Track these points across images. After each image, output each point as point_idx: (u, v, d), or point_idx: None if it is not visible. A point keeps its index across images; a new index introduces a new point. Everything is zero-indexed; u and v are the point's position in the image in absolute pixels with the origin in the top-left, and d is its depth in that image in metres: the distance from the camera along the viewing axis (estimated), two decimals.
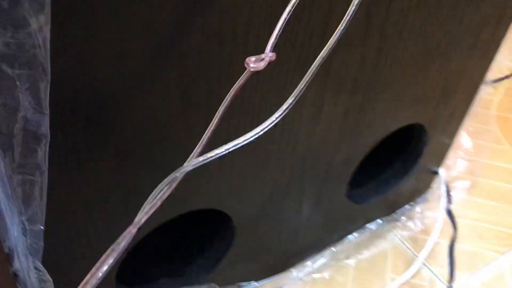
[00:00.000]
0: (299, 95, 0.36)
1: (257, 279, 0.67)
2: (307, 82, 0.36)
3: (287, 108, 0.36)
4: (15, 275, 0.44)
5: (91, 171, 0.39)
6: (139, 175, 0.41)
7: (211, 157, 0.36)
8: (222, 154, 0.36)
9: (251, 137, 0.36)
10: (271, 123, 0.36)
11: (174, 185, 0.37)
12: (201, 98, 0.40)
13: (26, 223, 0.37)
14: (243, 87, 0.36)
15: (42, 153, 0.33)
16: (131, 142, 0.39)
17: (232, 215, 0.55)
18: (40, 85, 0.29)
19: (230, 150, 0.36)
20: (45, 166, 0.34)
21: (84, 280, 0.36)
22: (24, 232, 0.38)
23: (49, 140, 0.32)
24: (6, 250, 0.42)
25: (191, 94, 0.39)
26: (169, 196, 0.46)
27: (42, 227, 0.38)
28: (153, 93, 0.38)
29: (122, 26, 0.33)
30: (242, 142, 0.36)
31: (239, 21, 0.38)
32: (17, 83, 0.29)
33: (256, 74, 0.36)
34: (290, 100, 0.36)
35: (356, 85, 0.52)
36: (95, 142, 0.38)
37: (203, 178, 0.48)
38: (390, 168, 0.74)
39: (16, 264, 0.43)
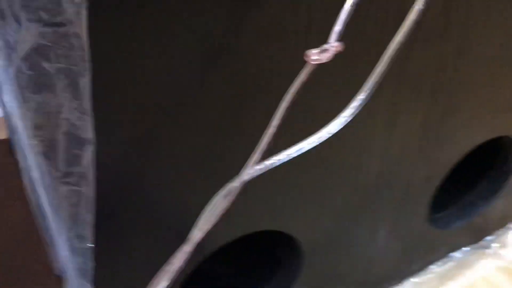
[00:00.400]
0: (372, 91, 0.31)
1: None
2: (382, 73, 0.31)
3: (357, 108, 0.31)
4: None
5: (142, 183, 0.36)
6: (192, 188, 0.38)
7: (271, 163, 0.32)
8: (283, 160, 0.32)
9: (316, 140, 0.31)
10: (339, 125, 0.31)
11: (231, 197, 0.33)
12: (259, 99, 0.36)
13: (74, 240, 0.35)
14: (305, 86, 0.32)
15: (88, 159, 0.30)
16: (184, 151, 0.36)
17: (299, 239, 0.50)
18: (80, 81, 0.26)
19: (293, 155, 0.32)
20: (91, 175, 0.31)
21: None
22: (73, 251, 0.35)
23: (94, 144, 0.29)
24: (57, 272, 0.40)
25: (248, 95, 0.36)
26: (228, 213, 0.42)
27: (90, 245, 0.35)
28: (206, 95, 0.34)
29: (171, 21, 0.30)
30: (306, 146, 0.32)
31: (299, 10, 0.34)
32: (56, 79, 0.26)
33: (320, 69, 0.31)
34: (361, 96, 0.31)
35: (435, 89, 0.46)
36: (146, 150, 0.35)
37: (265, 195, 0.43)
38: (475, 188, 0.65)
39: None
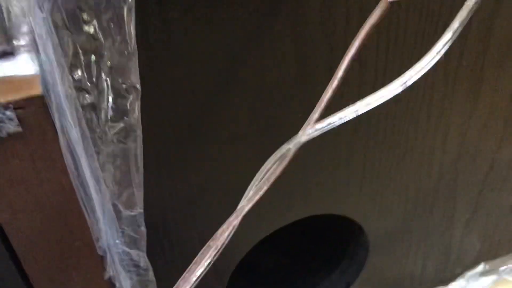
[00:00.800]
0: (447, 45, 0.26)
1: None
2: (461, 23, 0.26)
3: (428, 64, 0.26)
4: (111, 282, 0.38)
5: (193, 139, 0.32)
6: (244, 150, 0.34)
7: (331, 123, 0.28)
8: (348, 117, 0.27)
9: (380, 97, 0.27)
10: (407, 80, 0.27)
11: (285, 162, 0.29)
12: (321, 49, 0.32)
13: (120, 207, 0.32)
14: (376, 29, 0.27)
15: (134, 110, 0.27)
16: (240, 109, 0.32)
17: (364, 226, 0.45)
18: (123, 11, 0.23)
19: (355, 114, 0.27)
20: (139, 129, 0.28)
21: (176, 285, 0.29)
22: (119, 220, 0.33)
23: (140, 93, 0.26)
24: (100, 252, 0.37)
25: (307, 47, 0.31)
26: (288, 191, 0.38)
27: (141, 210, 0.32)
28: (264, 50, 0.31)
29: None
30: (371, 103, 0.27)
31: None
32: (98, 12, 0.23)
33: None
34: (434, 52, 0.26)
35: None
36: (198, 119, 0.31)
37: (326, 176, 0.39)
38: None
39: (111, 268, 0.38)
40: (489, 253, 0.56)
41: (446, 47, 0.26)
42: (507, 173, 0.48)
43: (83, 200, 0.34)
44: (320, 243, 0.53)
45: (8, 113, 0.29)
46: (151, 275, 0.36)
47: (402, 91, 0.26)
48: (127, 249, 0.35)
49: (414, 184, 0.44)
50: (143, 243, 0.34)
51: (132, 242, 0.34)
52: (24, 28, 0.32)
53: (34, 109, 0.29)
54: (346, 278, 0.50)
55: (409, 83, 0.26)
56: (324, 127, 0.28)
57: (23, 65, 0.31)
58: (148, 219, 0.32)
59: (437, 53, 0.26)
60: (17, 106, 0.29)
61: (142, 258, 0.35)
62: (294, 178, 0.37)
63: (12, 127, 0.29)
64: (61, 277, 0.37)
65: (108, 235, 0.35)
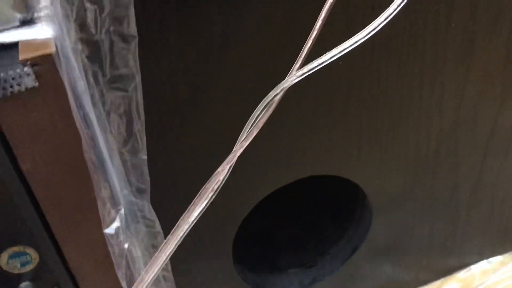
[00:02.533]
0: None
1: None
2: None
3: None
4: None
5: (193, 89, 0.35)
6: (236, 98, 0.36)
7: (315, 67, 0.30)
8: (328, 61, 0.30)
9: (364, 36, 0.29)
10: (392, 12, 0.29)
11: (273, 107, 0.32)
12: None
13: (126, 155, 0.35)
14: None
15: (133, 58, 0.30)
16: (232, 59, 0.35)
17: (365, 189, 0.46)
18: None
19: (338, 55, 0.30)
20: (138, 76, 0.31)
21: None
22: (126, 168, 0.36)
23: (137, 39, 0.30)
24: (111, 204, 0.40)
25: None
26: (288, 156, 0.40)
27: (145, 157, 0.35)
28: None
29: None
30: (352, 44, 0.29)
31: None
32: None
33: None
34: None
35: None
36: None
37: (323, 134, 0.41)
38: None
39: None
40: (499, 225, 0.56)
41: None
42: (509, 140, 0.49)
43: (94, 155, 0.37)
44: (327, 210, 0.55)
45: (26, 69, 0.33)
46: (158, 225, 0.39)
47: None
48: (133, 199, 0.38)
49: (413, 149, 0.45)
50: (147, 192, 0.37)
51: (138, 192, 0.37)
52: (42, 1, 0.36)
53: (48, 66, 0.33)
54: (352, 243, 0.51)
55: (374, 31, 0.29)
56: (304, 73, 0.30)
57: (39, 31, 0.35)
58: (153, 169, 0.36)
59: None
60: (34, 63, 0.33)
61: (147, 208, 0.38)
62: (289, 137, 0.40)
63: (30, 82, 0.33)
64: (78, 226, 0.40)
65: (117, 187, 0.38)
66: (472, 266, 0.58)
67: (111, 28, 0.29)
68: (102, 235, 0.41)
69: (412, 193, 0.49)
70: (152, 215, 0.39)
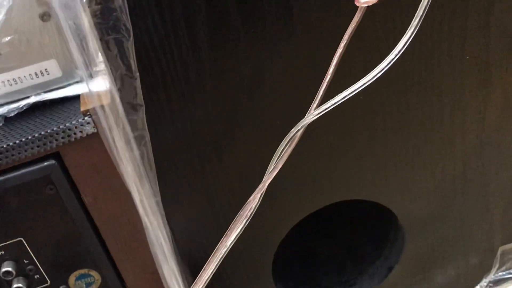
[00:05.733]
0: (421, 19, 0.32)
1: None
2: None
3: (413, 32, 0.32)
4: None
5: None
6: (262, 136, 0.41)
7: (333, 104, 0.34)
8: (346, 97, 0.34)
9: (376, 74, 0.33)
10: (398, 53, 0.32)
11: (295, 141, 0.36)
12: (317, 50, 0.39)
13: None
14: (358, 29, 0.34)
15: (141, 121, 0.36)
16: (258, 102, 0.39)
17: (395, 211, 0.49)
18: (125, 45, 0.32)
19: (350, 95, 0.34)
20: (147, 136, 0.36)
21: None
22: None
23: (144, 107, 0.35)
24: None
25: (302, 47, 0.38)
26: (318, 183, 0.44)
27: (158, 199, 0.40)
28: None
29: None
30: (367, 81, 0.33)
31: None
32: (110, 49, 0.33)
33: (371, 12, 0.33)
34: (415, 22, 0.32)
35: None
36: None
37: (350, 162, 0.45)
38: None
39: None
40: None
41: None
42: None
43: None
44: (364, 231, 0.58)
45: (86, 118, 0.39)
46: None
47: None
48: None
49: (439, 172, 0.48)
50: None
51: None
52: (98, 58, 0.43)
53: (103, 115, 0.39)
54: (388, 263, 0.54)
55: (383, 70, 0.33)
56: (320, 112, 0.35)
57: (97, 84, 0.41)
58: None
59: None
60: (92, 113, 0.39)
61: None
62: (318, 165, 0.44)
63: (89, 128, 0.39)
64: (134, 251, 0.46)
65: None
66: None
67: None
68: (152, 257, 0.46)
69: (442, 215, 0.51)
70: None
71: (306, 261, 0.58)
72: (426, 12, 0.34)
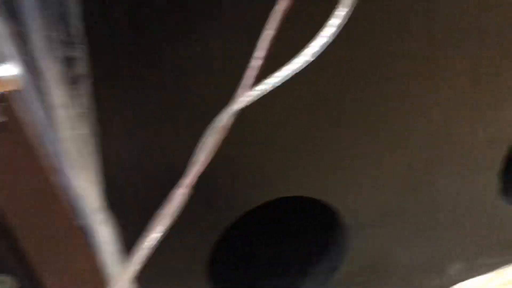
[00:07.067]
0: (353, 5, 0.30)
1: None
2: None
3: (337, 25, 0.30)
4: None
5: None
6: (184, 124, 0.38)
7: (264, 88, 0.31)
8: (273, 83, 0.31)
9: (309, 56, 0.30)
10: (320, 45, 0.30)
11: (223, 130, 0.33)
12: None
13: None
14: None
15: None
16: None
17: (340, 209, 0.47)
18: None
19: (288, 76, 0.31)
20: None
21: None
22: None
23: None
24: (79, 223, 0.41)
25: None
26: (254, 179, 0.41)
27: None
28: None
29: None
30: (299, 64, 0.31)
31: None
32: None
33: None
34: (340, 12, 0.29)
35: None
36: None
37: (290, 155, 0.42)
38: None
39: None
40: (482, 244, 0.56)
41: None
42: (483, 159, 0.49)
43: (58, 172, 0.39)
44: (307, 230, 0.55)
45: None
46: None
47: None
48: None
49: (386, 168, 0.46)
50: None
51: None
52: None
53: (16, 101, 0.35)
54: (333, 264, 0.52)
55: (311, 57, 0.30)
56: (257, 93, 0.32)
57: (7, 69, 0.37)
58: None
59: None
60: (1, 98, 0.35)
61: None
62: (255, 158, 0.41)
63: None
64: (58, 255, 0.42)
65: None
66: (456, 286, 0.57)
67: None
68: (85, 264, 0.42)
69: (391, 213, 0.49)
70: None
71: (247, 263, 0.55)
72: None
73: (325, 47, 0.30)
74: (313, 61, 0.37)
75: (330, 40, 0.30)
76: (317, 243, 0.54)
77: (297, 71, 0.31)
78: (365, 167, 0.45)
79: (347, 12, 0.29)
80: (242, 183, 0.42)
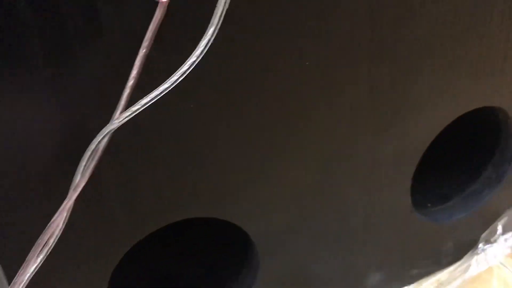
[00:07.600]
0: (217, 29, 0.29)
1: None
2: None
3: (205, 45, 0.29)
4: None
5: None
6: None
7: (139, 108, 0.30)
8: (151, 101, 0.30)
9: (177, 78, 0.29)
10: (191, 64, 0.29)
11: (100, 150, 0.31)
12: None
13: None
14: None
15: None
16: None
17: (245, 228, 0.45)
18: None
19: (157, 97, 0.30)
20: None
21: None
22: None
23: None
24: None
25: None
26: (158, 201, 0.39)
27: None
28: None
29: None
30: (169, 85, 0.29)
31: None
32: None
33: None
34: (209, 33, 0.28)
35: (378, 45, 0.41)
36: None
37: (190, 175, 0.40)
38: (478, 177, 0.58)
39: None
40: (399, 256, 0.56)
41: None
42: (394, 171, 0.49)
43: None
44: (222, 250, 0.54)
45: None
46: None
47: None
48: None
49: (291, 180, 0.45)
50: None
51: None
52: None
53: None
54: (246, 283, 0.50)
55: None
56: (132, 112, 0.30)
57: None
58: None
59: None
60: None
61: None
62: (154, 178, 0.38)
63: None
64: None
65: None
66: None
67: None
68: None
69: (300, 229, 0.48)
70: None
71: (163, 284, 0.53)
72: None
73: (193, 66, 0.29)
74: (201, 79, 0.36)
75: (199, 60, 0.29)
76: (231, 263, 0.52)
77: (170, 91, 0.30)
78: (269, 186, 0.44)
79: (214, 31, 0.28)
80: (142, 204, 0.39)
